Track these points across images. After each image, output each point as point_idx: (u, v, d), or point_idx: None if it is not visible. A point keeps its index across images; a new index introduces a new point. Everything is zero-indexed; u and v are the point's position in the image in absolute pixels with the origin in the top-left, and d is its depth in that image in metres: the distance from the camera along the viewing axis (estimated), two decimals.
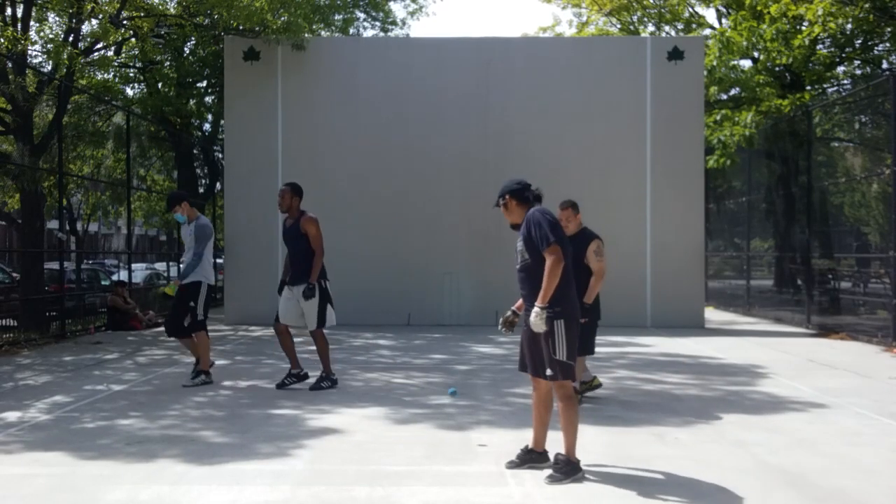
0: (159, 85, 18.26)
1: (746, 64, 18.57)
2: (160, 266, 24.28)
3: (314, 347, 7.53)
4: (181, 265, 8.00)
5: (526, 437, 5.05)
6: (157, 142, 20.42)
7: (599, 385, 7.14)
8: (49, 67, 13.73)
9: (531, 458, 4.84)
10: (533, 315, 4.54)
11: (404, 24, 24.58)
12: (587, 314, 6.19)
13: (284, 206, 7.45)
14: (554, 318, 4.56)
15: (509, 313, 5.05)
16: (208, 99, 20.23)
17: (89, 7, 12.18)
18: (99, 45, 14.11)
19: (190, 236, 7.73)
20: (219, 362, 9.22)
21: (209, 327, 8.09)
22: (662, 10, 22.47)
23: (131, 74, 19.14)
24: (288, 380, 7.49)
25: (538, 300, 4.54)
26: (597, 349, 7.31)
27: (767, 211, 17.87)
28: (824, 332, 12.73)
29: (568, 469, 4.58)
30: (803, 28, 17.08)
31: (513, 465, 4.86)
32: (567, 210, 6.73)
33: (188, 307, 7.67)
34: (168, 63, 18.39)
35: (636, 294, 13.62)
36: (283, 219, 7.75)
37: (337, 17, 19.71)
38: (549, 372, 4.62)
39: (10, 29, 11.76)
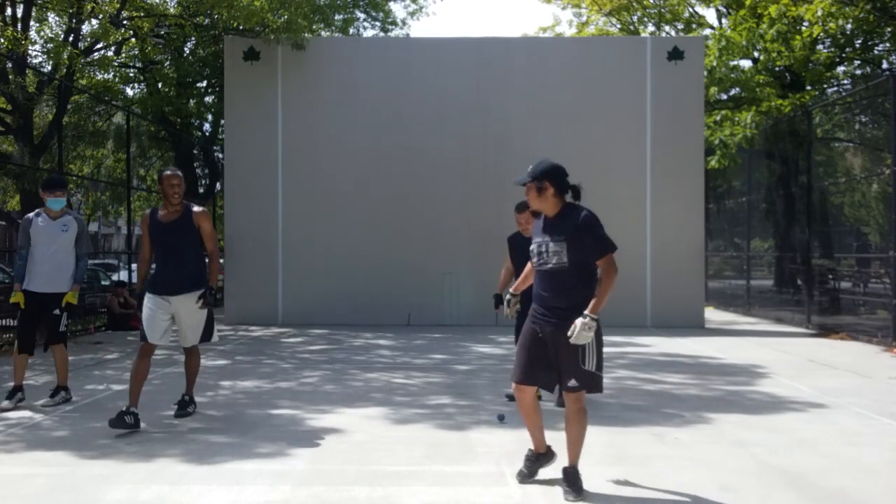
0: (159, 85, 18.27)
1: (746, 64, 18.57)
2: None
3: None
4: (50, 266, 6.57)
5: (526, 437, 5.04)
6: (157, 142, 20.45)
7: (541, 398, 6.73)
8: (49, 67, 13.73)
9: (540, 463, 4.65)
10: (583, 327, 4.14)
11: (404, 24, 24.65)
12: None
13: (180, 197, 6.02)
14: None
15: (509, 297, 5.02)
16: (208, 99, 20.25)
17: (89, 7, 12.18)
18: (99, 45, 14.14)
19: (65, 233, 6.64)
20: (219, 362, 9.24)
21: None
22: (662, 10, 22.49)
23: (131, 74, 19.16)
24: (128, 417, 5.63)
25: (590, 309, 4.18)
26: None
27: (767, 211, 17.87)
28: (824, 332, 12.73)
29: (580, 478, 4.38)
30: (803, 28, 17.09)
31: (523, 476, 4.57)
32: (525, 213, 6.38)
33: (52, 315, 6.60)
34: (168, 63, 18.41)
35: (636, 294, 13.62)
36: (153, 211, 6.16)
37: (337, 17, 19.74)
38: (573, 382, 4.28)
39: (10, 29, 11.76)
